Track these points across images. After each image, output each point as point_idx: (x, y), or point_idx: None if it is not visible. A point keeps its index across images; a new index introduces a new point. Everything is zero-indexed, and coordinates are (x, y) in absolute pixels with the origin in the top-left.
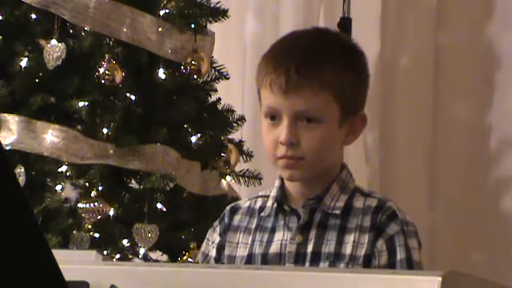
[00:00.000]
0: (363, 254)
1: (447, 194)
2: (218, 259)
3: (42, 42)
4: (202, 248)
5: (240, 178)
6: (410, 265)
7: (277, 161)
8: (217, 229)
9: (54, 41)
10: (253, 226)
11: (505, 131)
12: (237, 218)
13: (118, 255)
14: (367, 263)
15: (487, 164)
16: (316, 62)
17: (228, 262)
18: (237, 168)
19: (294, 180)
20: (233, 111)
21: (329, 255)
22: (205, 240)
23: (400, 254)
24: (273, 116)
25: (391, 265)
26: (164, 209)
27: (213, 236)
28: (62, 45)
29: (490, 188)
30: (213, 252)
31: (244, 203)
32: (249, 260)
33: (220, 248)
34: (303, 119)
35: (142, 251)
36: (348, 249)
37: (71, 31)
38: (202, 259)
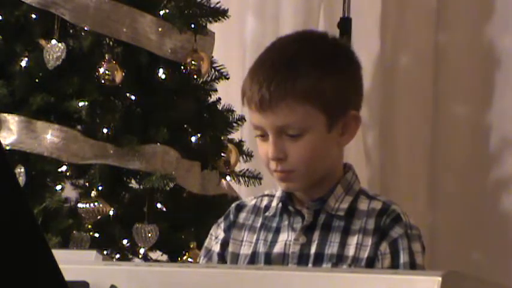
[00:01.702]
0: (366, 256)
1: (447, 194)
2: (222, 254)
3: (42, 42)
4: (206, 243)
5: (240, 178)
6: (414, 269)
7: (273, 174)
8: (222, 225)
9: (54, 41)
10: (258, 225)
11: (505, 131)
12: (242, 216)
13: (118, 255)
14: (370, 265)
15: (487, 164)
16: (286, 77)
17: (231, 259)
18: (237, 168)
19: (291, 191)
20: (233, 111)
21: (332, 256)
22: (209, 236)
23: (403, 258)
24: (261, 132)
25: (394, 268)
26: (164, 209)
27: (217, 232)
28: (62, 45)
29: (490, 188)
30: (216, 248)
31: (250, 201)
32: (253, 258)
33: (224, 244)
34: (287, 133)
35: (142, 251)
36: (350, 251)
37: (71, 31)
38: (205, 254)
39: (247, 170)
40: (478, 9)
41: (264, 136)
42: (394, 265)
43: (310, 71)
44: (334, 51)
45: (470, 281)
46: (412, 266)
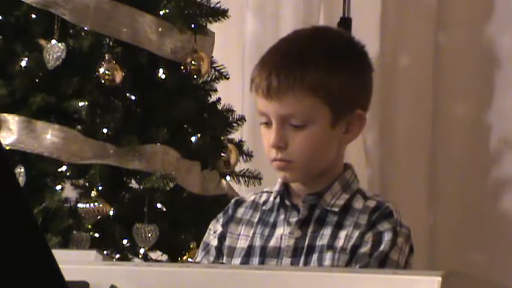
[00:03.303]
0: (351, 244)
1: (447, 194)
2: (219, 248)
3: (42, 42)
4: (204, 238)
5: (240, 178)
6: (384, 261)
7: (272, 163)
8: (221, 220)
9: (54, 41)
10: (256, 220)
11: (505, 131)
12: (240, 211)
13: (118, 255)
14: (354, 253)
15: (487, 164)
16: (296, 67)
17: (228, 253)
18: (237, 168)
19: (288, 181)
20: (233, 111)
21: (322, 247)
22: (208, 230)
23: (383, 247)
24: (265, 119)
25: (370, 256)
26: (164, 209)
27: (216, 227)
28: (62, 45)
29: (490, 188)
30: (214, 242)
31: (249, 197)
32: (248, 252)
33: (222, 238)
34: (290, 123)
35: (142, 251)
36: (340, 243)
37: (71, 31)
38: (203, 248)
39: (247, 170)
40: (478, 9)
41: (268, 124)
42: (371, 253)
43: (320, 64)
44: (348, 49)
45: (470, 281)
46: (385, 257)
